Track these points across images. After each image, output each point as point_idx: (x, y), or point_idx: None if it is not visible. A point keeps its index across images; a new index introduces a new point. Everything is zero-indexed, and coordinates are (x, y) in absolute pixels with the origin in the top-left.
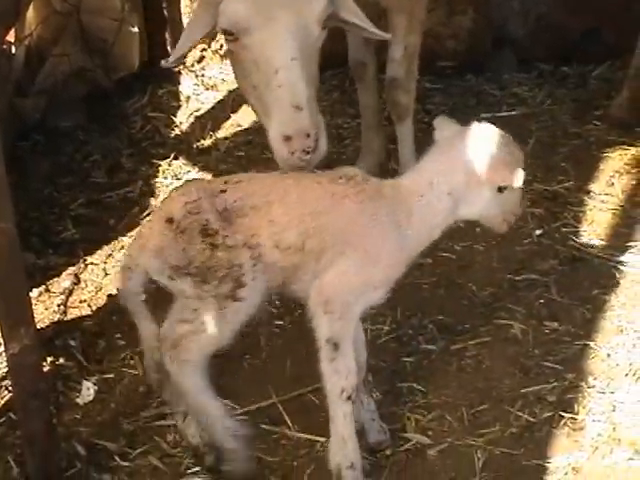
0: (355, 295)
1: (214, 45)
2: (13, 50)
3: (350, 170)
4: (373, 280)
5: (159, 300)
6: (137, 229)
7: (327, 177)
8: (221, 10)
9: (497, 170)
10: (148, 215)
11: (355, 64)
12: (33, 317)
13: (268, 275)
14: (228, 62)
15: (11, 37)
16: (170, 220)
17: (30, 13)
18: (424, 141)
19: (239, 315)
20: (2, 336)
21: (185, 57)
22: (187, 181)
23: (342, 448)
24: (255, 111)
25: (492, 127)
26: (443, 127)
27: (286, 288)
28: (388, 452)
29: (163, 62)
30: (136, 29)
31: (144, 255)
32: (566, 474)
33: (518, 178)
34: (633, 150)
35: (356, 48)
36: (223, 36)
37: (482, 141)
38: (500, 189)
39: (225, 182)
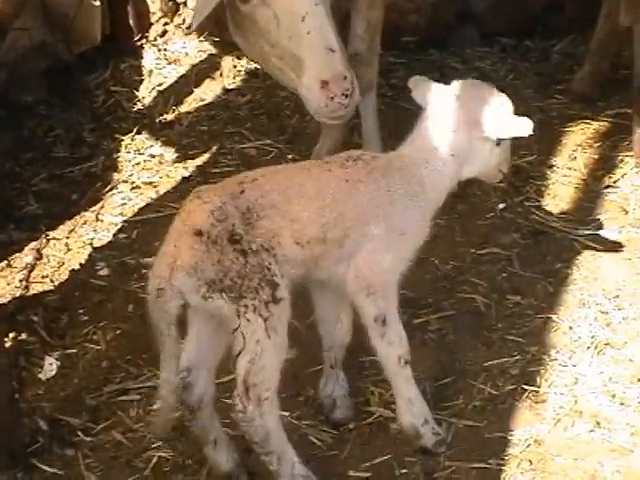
0: (391, 271)
1: (177, 19)
2: None
3: (354, 152)
4: (403, 252)
5: None
6: (160, 248)
7: (336, 163)
8: None
9: (500, 123)
10: (111, 190)
11: None
12: None
13: (291, 269)
14: (191, 36)
15: None
16: (199, 233)
17: None
18: (388, 115)
19: (283, 317)
20: None
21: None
22: (197, 189)
23: (411, 409)
24: (276, 72)
25: (477, 81)
26: (420, 87)
27: (308, 276)
28: (351, 426)
29: (185, 29)
30: (98, 3)
31: (177, 275)
32: (528, 446)
33: (527, 127)
34: (595, 124)
35: None
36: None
37: (476, 97)
38: (498, 142)
39: (240, 182)
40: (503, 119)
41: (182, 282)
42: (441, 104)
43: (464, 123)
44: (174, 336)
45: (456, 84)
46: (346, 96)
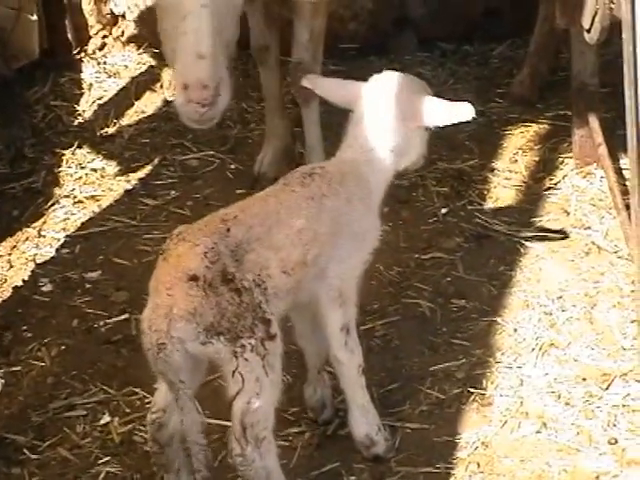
0: (356, 277)
1: (115, 32)
2: None
3: (304, 168)
4: (365, 256)
5: None
6: (150, 300)
7: (296, 183)
8: None
9: (438, 112)
10: (53, 205)
11: (257, 47)
12: None
13: (279, 302)
14: (130, 48)
15: None
16: (194, 278)
17: None
18: (328, 123)
19: (278, 353)
20: None
21: None
22: (176, 231)
23: (366, 416)
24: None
25: (396, 73)
26: (321, 84)
27: (292, 303)
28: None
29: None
30: (35, 17)
31: (176, 325)
32: (476, 448)
33: (468, 111)
34: (535, 127)
35: (259, 31)
36: None
37: (404, 89)
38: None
39: (223, 220)
40: (441, 107)
41: (182, 331)
42: (368, 103)
43: (399, 117)
44: (185, 382)
45: (376, 79)
46: (203, 105)
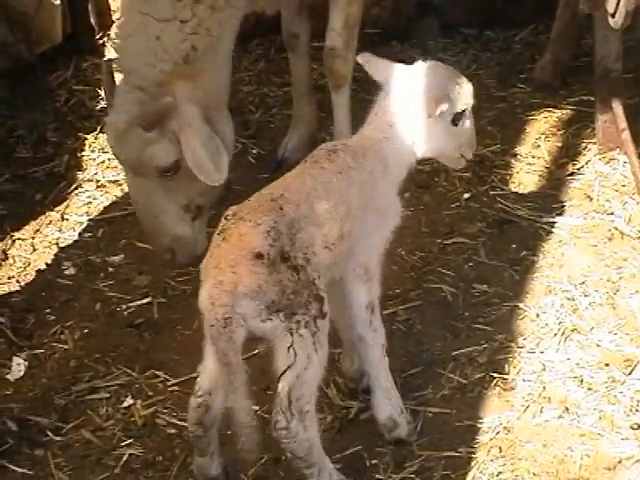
0: (380, 254)
1: None
2: None
3: (326, 145)
4: (387, 233)
5: None
6: (211, 277)
7: (323, 159)
8: None
9: (440, 100)
10: (76, 189)
11: (288, 35)
12: None
13: (323, 279)
14: None
15: None
16: (259, 255)
17: None
18: (352, 108)
19: (326, 332)
20: None
21: None
22: (230, 211)
23: (389, 398)
24: None
25: (439, 63)
26: (372, 62)
27: (330, 281)
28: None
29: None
30: (58, 1)
31: (241, 301)
32: (498, 433)
33: (464, 100)
34: (558, 112)
35: (289, 19)
36: None
37: (428, 76)
38: (454, 122)
39: (273, 199)
40: (442, 98)
41: (247, 308)
42: (397, 83)
43: (414, 101)
44: (241, 363)
45: (418, 65)
46: None
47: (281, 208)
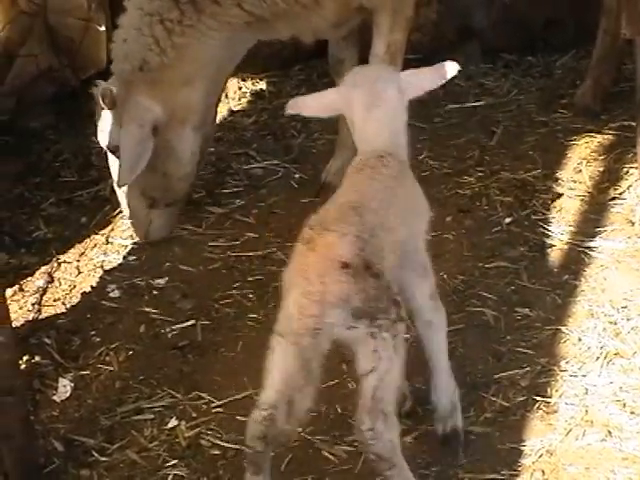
0: (425, 249)
1: None
2: None
3: (367, 154)
4: (426, 226)
5: None
6: (298, 288)
7: (379, 165)
8: None
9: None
10: (120, 212)
11: (334, 60)
12: (9, 314)
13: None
14: None
15: None
16: (345, 265)
17: None
18: None
19: (403, 334)
20: None
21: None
22: (312, 221)
23: (450, 383)
24: None
25: (364, 68)
26: (303, 104)
27: None
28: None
29: (120, 184)
30: (103, 28)
31: (330, 311)
32: (540, 456)
33: (452, 67)
34: (599, 137)
35: (335, 45)
36: None
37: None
38: None
39: (352, 207)
40: (424, 75)
41: (335, 316)
42: (365, 101)
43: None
44: (319, 372)
45: (355, 80)
46: None
47: (362, 216)
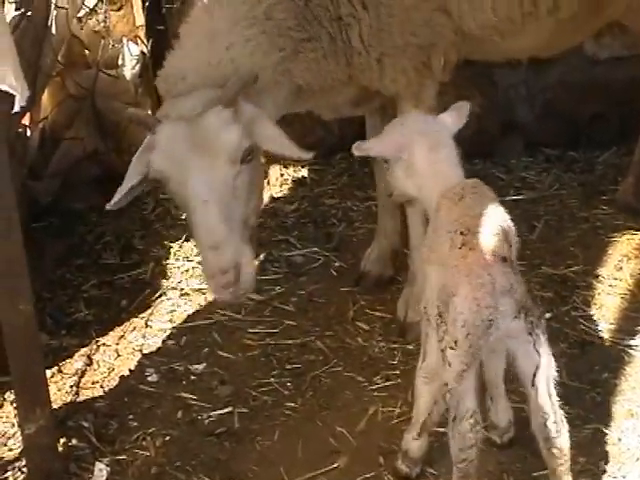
0: None
1: None
2: (28, 133)
3: (470, 181)
4: None
5: None
6: (469, 283)
7: (478, 189)
8: (150, 161)
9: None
10: (160, 296)
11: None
12: (49, 398)
13: None
14: None
15: (26, 120)
16: (505, 259)
17: (45, 97)
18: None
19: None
20: (18, 416)
21: (128, 200)
22: (465, 230)
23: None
24: None
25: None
26: (369, 147)
27: None
28: None
29: (107, 206)
30: (149, 112)
31: (502, 299)
32: None
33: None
34: None
35: (374, 134)
36: None
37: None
38: None
39: (480, 215)
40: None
41: (506, 305)
42: (426, 144)
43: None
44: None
45: (409, 125)
46: (230, 286)
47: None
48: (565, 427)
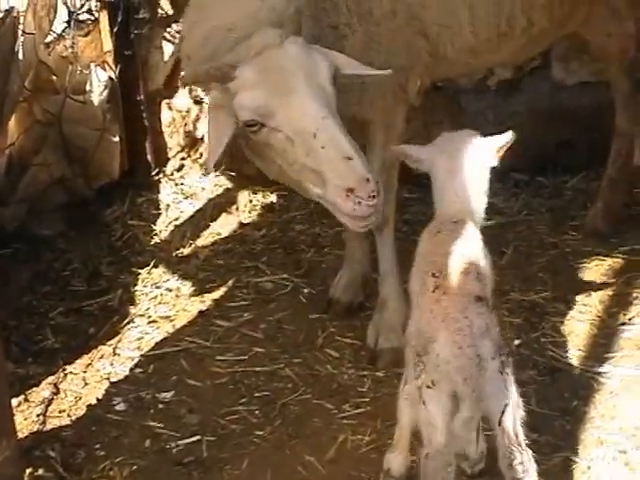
0: None
1: (193, 154)
2: None
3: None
4: None
5: None
6: (445, 327)
7: (458, 224)
8: (237, 105)
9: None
10: (128, 323)
11: None
12: (15, 428)
13: None
14: None
15: None
16: (479, 298)
17: (12, 123)
18: (402, 250)
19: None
20: None
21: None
22: (435, 270)
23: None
24: (297, 187)
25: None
26: (409, 152)
27: None
28: None
29: (204, 167)
30: (117, 138)
31: (479, 341)
32: None
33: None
34: (609, 260)
35: None
36: (246, 129)
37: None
38: None
39: (469, 262)
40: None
41: (485, 347)
42: (459, 161)
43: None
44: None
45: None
46: (373, 197)
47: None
48: (533, 467)
